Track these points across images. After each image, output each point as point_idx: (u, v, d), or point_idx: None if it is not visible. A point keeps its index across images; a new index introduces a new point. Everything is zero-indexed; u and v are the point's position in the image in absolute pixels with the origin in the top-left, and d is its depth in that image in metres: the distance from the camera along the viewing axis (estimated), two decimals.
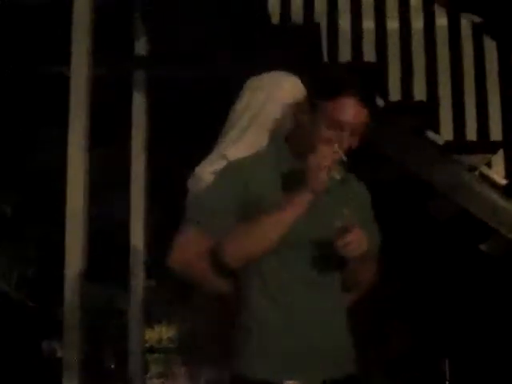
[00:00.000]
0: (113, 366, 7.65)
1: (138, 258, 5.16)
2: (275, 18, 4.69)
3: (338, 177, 2.36)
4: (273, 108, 2.55)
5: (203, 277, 2.34)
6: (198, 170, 2.56)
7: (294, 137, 2.40)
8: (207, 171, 2.49)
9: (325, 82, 2.38)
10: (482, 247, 4.45)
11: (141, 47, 5.13)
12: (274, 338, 2.24)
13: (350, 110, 2.25)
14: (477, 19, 4.75)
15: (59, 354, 6.73)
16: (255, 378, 2.20)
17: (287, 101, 2.53)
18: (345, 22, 4.69)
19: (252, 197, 2.28)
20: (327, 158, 2.19)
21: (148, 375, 7.37)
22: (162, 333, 8.66)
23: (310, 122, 2.31)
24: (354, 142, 2.29)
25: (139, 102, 5.17)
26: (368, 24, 4.68)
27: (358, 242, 2.15)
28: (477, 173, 4.43)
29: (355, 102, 2.25)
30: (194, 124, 5.30)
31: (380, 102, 4.51)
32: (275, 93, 2.56)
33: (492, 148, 4.50)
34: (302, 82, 2.61)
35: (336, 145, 2.22)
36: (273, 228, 2.22)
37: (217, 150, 2.58)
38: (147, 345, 7.08)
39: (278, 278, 2.26)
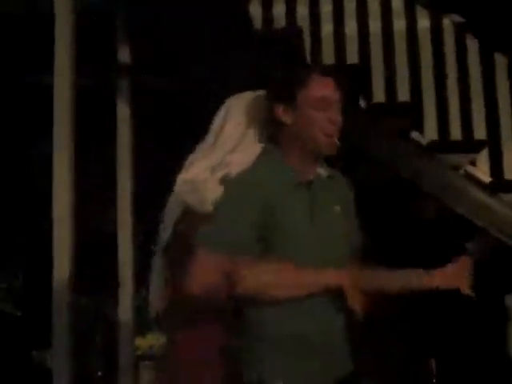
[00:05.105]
0: (100, 374, 7.63)
1: (127, 265, 5.16)
2: (257, 23, 4.69)
3: (325, 174, 2.39)
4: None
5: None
6: (194, 174, 2.43)
7: (286, 140, 2.38)
8: (213, 178, 2.39)
9: (289, 77, 2.39)
10: (468, 246, 4.46)
11: (124, 55, 5.13)
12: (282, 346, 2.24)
13: (322, 85, 2.32)
14: (459, 19, 4.77)
15: (49, 363, 6.71)
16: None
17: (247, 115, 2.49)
18: (327, 26, 4.70)
19: (267, 209, 2.25)
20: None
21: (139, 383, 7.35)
22: (154, 340, 8.65)
23: (294, 118, 2.33)
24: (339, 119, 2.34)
25: (123, 111, 5.16)
26: (351, 27, 4.69)
27: None
28: (462, 172, 4.44)
29: (321, 77, 2.34)
30: (179, 131, 5.29)
31: (364, 104, 4.53)
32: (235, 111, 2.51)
33: (476, 147, 4.52)
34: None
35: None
36: (301, 287, 2.21)
37: (214, 155, 2.46)
38: (139, 352, 7.07)
39: None
